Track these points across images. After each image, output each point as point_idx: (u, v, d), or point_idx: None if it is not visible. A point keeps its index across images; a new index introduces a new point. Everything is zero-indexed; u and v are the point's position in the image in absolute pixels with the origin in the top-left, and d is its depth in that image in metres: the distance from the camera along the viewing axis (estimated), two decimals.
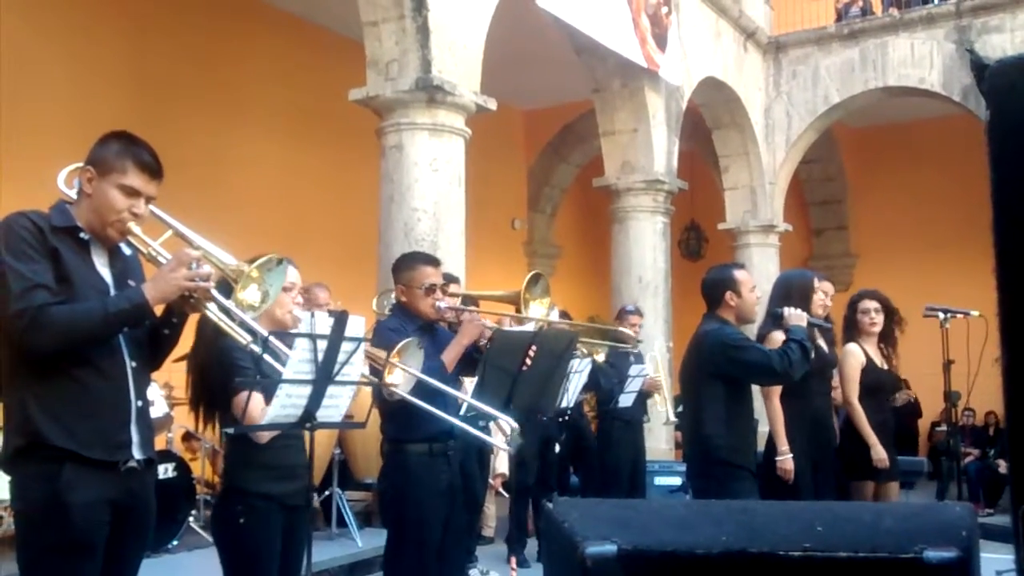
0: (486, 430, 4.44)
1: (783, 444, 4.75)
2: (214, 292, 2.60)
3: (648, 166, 10.32)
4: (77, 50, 8.59)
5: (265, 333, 2.71)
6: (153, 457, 2.75)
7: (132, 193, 2.59)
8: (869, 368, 5.43)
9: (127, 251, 2.74)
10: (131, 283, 2.65)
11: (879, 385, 5.44)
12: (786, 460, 4.74)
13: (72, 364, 2.51)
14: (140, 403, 2.66)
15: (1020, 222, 1.54)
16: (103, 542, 2.54)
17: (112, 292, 2.61)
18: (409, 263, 4.31)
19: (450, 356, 4.13)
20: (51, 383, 2.49)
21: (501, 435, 4.80)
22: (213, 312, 2.64)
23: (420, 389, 3.68)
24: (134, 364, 2.64)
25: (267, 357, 2.71)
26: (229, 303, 2.62)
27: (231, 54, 9.87)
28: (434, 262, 4.34)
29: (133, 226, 2.61)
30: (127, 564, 2.68)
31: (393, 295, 4.42)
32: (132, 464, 2.61)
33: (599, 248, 12.72)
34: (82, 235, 2.59)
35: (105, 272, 2.64)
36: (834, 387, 5.50)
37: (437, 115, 7.04)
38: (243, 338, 2.68)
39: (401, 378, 3.62)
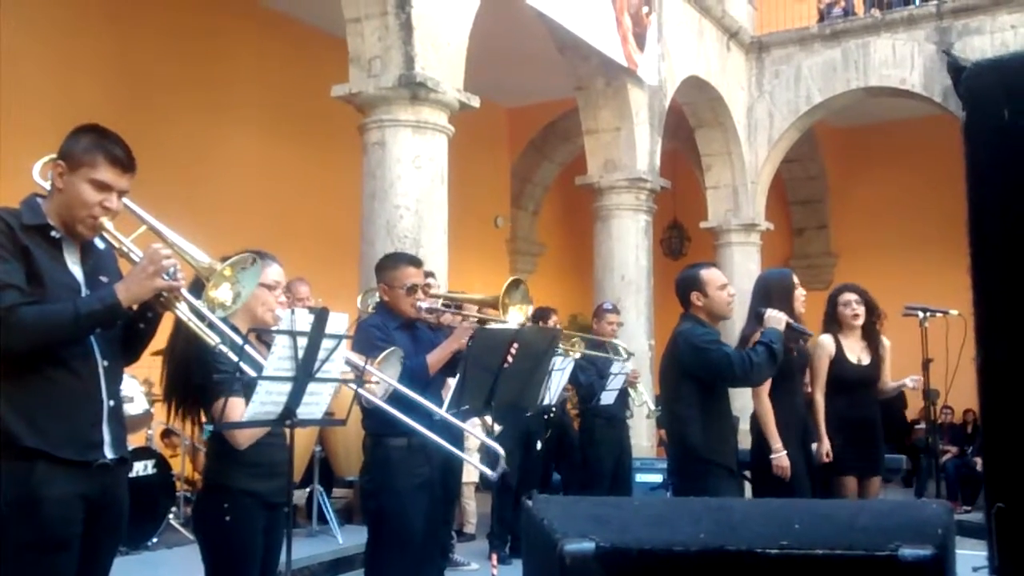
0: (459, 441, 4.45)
1: (776, 442, 4.73)
2: (185, 292, 2.57)
3: (631, 164, 10.34)
4: (61, 47, 8.52)
5: (236, 337, 2.67)
6: (126, 456, 2.73)
7: (103, 187, 2.54)
8: (839, 361, 5.41)
9: (100, 245, 2.70)
10: (103, 279, 2.62)
11: (849, 381, 5.39)
12: (781, 458, 4.74)
13: (43, 363, 2.48)
14: (112, 402, 2.63)
15: (995, 222, 1.55)
16: (78, 537, 2.52)
17: (84, 290, 2.57)
18: (392, 263, 4.43)
19: (435, 358, 4.20)
20: (21, 382, 2.46)
21: (479, 454, 4.81)
22: (183, 312, 2.61)
23: (395, 395, 3.69)
24: (106, 363, 2.61)
25: (231, 355, 2.68)
26: (199, 303, 2.59)
27: (214, 50, 9.81)
28: (416, 263, 4.44)
29: (105, 221, 2.57)
30: (100, 561, 2.66)
31: (377, 294, 4.48)
32: (104, 462, 2.59)
33: (582, 246, 12.73)
34: (53, 233, 2.55)
35: (76, 270, 2.61)
36: (805, 383, 5.53)
37: (420, 112, 7.02)
38: (211, 339, 2.64)
39: (379, 384, 3.62)
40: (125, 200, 2.62)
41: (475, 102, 7.48)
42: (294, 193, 10.29)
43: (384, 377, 3.59)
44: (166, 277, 2.51)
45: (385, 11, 6.99)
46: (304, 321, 2.83)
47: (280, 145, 10.27)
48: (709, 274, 4.58)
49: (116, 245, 2.65)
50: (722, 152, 12.59)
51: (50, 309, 2.45)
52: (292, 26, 10.54)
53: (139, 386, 6.70)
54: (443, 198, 7.21)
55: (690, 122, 12.53)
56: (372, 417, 4.14)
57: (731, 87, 12.39)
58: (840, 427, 5.35)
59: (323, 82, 7.34)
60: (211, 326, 2.63)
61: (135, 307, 2.62)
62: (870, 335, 5.54)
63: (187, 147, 9.22)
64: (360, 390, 3.41)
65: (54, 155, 2.60)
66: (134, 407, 6.66)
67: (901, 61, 11.86)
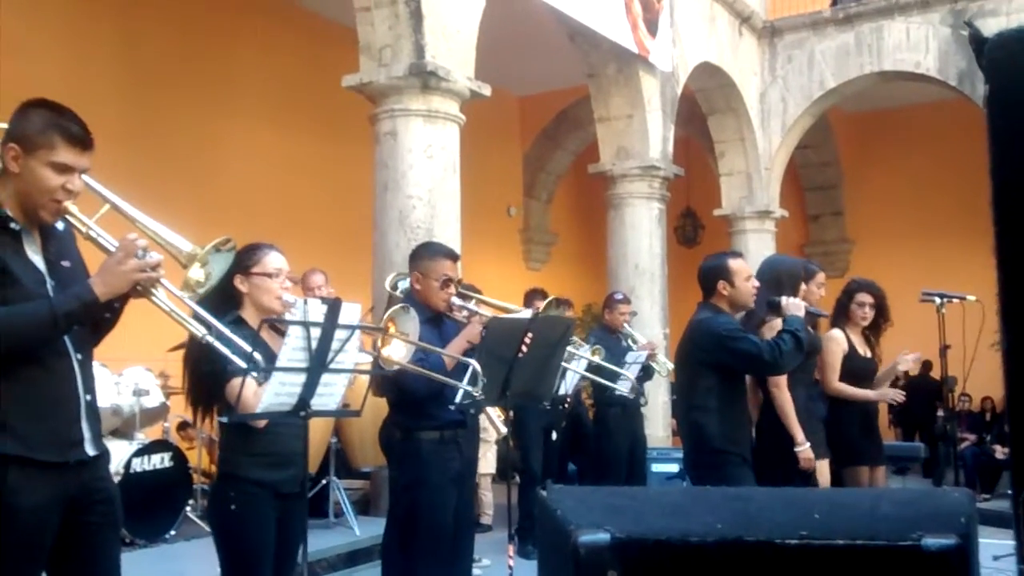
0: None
1: (799, 434, 4.69)
2: (165, 282, 2.45)
3: (643, 152, 10.28)
4: (67, 40, 8.51)
5: (212, 321, 2.55)
6: (105, 450, 2.63)
7: (64, 170, 2.39)
8: (852, 355, 5.41)
9: (60, 226, 2.55)
10: (64, 264, 2.50)
11: (858, 372, 5.41)
12: (806, 450, 4.69)
13: (16, 363, 2.34)
14: (88, 397, 2.52)
15: (1020, 198, 1.49)
16: (50, 544, 2.42)
17: (47, 279, 2.45)
18: (429, 253, 4.40)
19: (448, 353, 4.18)
20: None
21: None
22: (160, 300, 2.47)
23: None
24: (79, 356, 2.50)
25: (219, 346, 2.57)
26: (175, 288, 2.47)
27: (223, 41, 9.80)
28: (453, 256, 4.40)
29: (70, 205, 2.44)
30: (105, 554, 2.59)
31: (408, 281, 4.45)
32: (83, 459, 2.49)
33: (595, 234, 12.68)
34: (12, 225, 2.41)
35: (37, 260, 2.47)
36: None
37: (431, 101, 6.99)
38: (197, 331, 2.52)
39: (400, 350, 3.61)
40: (86, 178, 2.48)
41: (486, 91, 7.44)
42: (305, 184, 10.28)
43: (401, 337, 3.57)
44: (145, 269, 2.39)
45: (395, 0, 6.96)
46: (317, 312, 2.82)
47: (290, 136, 10.26)
48: (737, 264, 4.55)
49: (83, 229, 2.50)
50: (735, 139, 12.50)
51: (25, 311, 2.33)
52: (301, 16, 10.51)
53: (155, 379, 6.72)
54: (455, 188, 7.18)
55: (702, 109, 12.44)
56: (403, 411, 4.14)
57: (743, 73, 12.30)
58: (856, 419, 5.33)
59: (333, 72, 7.32)
60: (195, 316, 2.52)
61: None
62: (873, 330, 5.54)
63: (195, 139, 9.22)
64: (379, 357, 3.39)
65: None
66: (150, 400, 6.69)
67: (915, 45, 11.73)
